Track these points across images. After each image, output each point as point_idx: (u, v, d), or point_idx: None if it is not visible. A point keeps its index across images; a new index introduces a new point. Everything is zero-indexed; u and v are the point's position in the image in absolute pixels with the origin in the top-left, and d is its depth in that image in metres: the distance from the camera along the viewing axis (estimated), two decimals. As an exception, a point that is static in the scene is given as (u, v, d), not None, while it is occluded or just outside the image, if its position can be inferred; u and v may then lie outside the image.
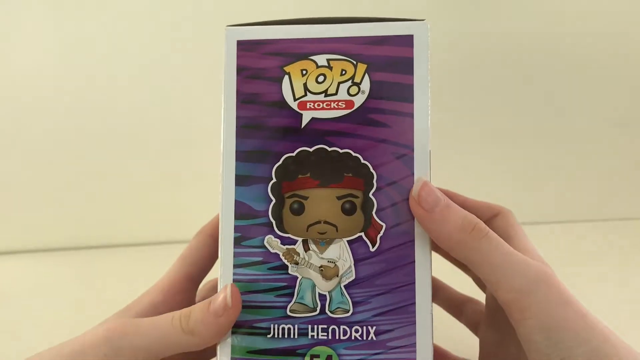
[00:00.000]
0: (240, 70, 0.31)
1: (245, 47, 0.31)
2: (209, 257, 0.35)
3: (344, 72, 0.30)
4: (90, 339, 0.27)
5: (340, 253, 0.29)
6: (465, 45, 0.66)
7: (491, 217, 0.35)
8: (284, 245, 0.29)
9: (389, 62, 0.30)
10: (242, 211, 0.30)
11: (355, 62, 0.30)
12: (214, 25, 0.35)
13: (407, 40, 0.30)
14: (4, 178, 0.65)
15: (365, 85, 0.30)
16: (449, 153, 0.67)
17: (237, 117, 0.30)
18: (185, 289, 0.34)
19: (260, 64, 0.31)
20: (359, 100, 0.30)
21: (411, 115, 0.30)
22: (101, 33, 0.63)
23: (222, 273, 0.29)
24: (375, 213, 0.29)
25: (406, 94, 0.30)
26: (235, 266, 0.29)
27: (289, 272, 0.29)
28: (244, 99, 0.30)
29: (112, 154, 0.66)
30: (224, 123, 0.30)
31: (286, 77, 0.30)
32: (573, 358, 0.25)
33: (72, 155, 0.65)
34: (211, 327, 0.27)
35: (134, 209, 0.66)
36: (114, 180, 0.66)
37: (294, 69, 0.30)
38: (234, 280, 0.29)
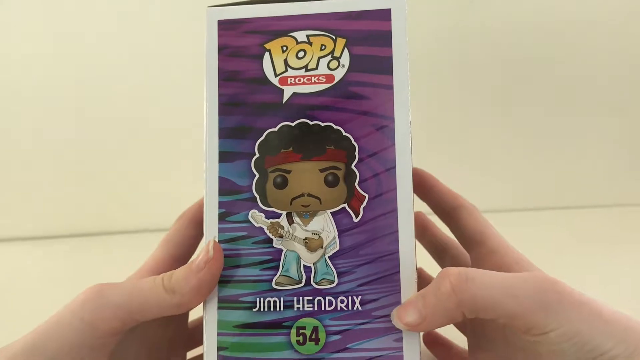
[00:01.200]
0: (221, 49, 0.31)
1: (225, 27, 0.31)
2: (192, 238, 0.35)
3: (323, 47, 0.31)
4: (67, 307, 0.27)
5: (324, 225, 0.29)
6: (459, 28, 0.66)
7: (455, 208, 0.35)
8: (268, 219, 0.30)
9: (367, 36, 0.30)
10: (226, 187, 0.30)
11: (334, 37, 0.31)
12: (198, 8, 0.35)
13: (384, 14, 0.31)
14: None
15: (345, 59, 0.30)
16: (445, 137, 0.66)
17: (219, 95, 0.30)
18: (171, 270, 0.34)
19: (240, 42, 0.31)
20: (339, 74, 0.30)
21: (391, 87, 0.30)
22: (95, 25, 0.64)
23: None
24: (358, 184, 0.29)
25: (385, 67, 0.30)
26: (220, 242, 0.29)
27: (274, 245, 0.29)
28: (225, 77, 0.31)
29: (107, 142, 0.66)
30: (206, 101, 0.31)
31: (267, 54, 0.31)
32: (606, 356, 0.24)
33: (69, 143, 0.66)
34: (192, 282, 0.27)
35: (130, 196, 0.67)
36: (110, 167, 0.66)
37: (274, 45, 0.31)
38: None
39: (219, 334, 0.29)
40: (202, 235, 0.31)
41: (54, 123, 0.65)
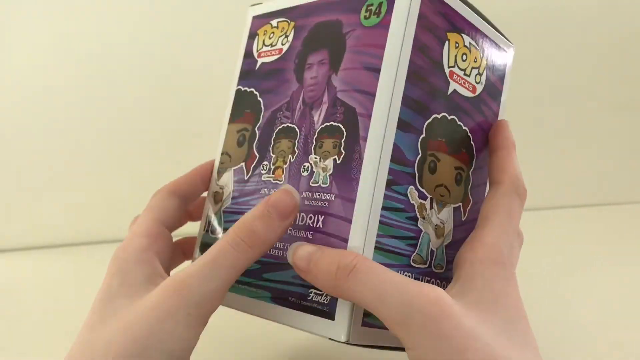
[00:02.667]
0: (421, 17, 0.30)
1: None
2: (174, 207, 0.36)
3: (475, 60, 0.34)
4: (159, 312, 0.26)
5: (448, 216, 0.33)
6: None
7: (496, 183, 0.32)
8: (419, 199, 0.31)
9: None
10: (397, 156, 0.29)
11: (482, 54, 0.34)
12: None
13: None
14: (4, 177, 0.66)
15: (483, 77, 0.35)
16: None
17: (411, 62, 0.30)
18: (163, 234, 0.34)
19: (437, 21, 0.31)
20: (479, 89, 0.34)
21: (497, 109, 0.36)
22: (106, 28, 0.65)
23: (370, 214, 0.28)
24: (470, 189, 0.34)
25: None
26: (383, 208, 0.29)
27: (418, 224, 0.31)
28: (418, 47, 0.30)
29: (112, 150, 0.67)
30: (397, 66, 0.29)
31: (447, 43, 0.32)
32: None
33: (72, 151, 0.66)
34: (280, 231, 0.29)
35: (133, 205, 0.61)
36: (115, 175, 0.67)
37: (452, 38, 0.32)
38: (381, 223, 0.29)
39: None
40: (182, 205, 0.36)
41: (58, 134, 0.65)
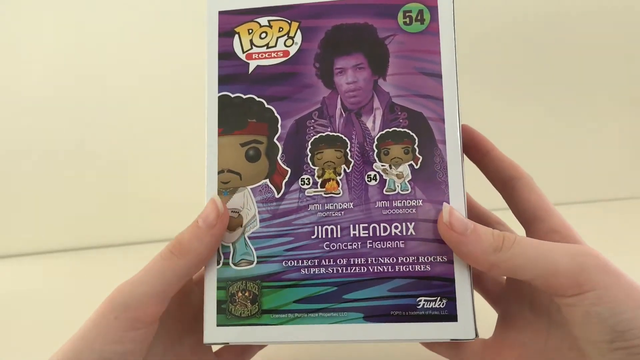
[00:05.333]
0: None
1: None
2: None
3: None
4: (95, 315, 0.28)
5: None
6: (474, 23, 0.61)
7: (513, 178, 0.33)
8: None
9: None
10: None
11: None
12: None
13: None
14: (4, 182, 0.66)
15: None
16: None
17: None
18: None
19: None
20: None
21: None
22: (108, 34, 0.64)
23: (465, 213, 0.30)
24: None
25: None
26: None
27: None
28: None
29: (111, 153, 0.66)
30: (456, 71, 0.32)
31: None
32: (636, 331, 0.24)
33: (72, 155, 0.66)
34: (207, 239, 0.29)
35: (135, 208, 0.67)
36: (115, 179, 0.66)
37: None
38: None
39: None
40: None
41: (56, 134, 0.65)
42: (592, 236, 0.33)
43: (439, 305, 0.29)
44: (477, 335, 0.29)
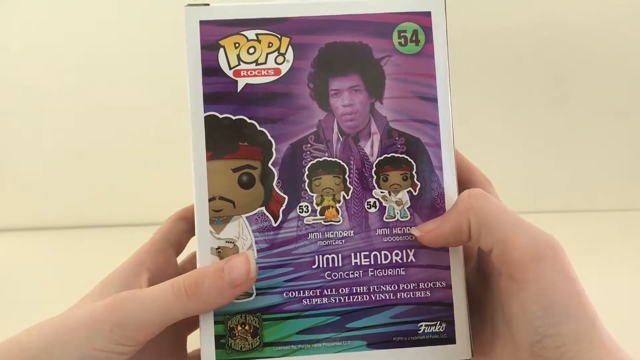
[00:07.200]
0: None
1: None
2: (182, 230, 0.35)
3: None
4: (93, 314, 0.27)
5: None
6: (460, 37, 0.61)
7: (467, 182, 0.33)
8: None
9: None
10: None
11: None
12: None
13: None
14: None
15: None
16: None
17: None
18: (163, 248, 0.33)
19: None
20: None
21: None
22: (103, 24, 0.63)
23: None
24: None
25: None
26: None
27: None
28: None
29: (107, 134, 0.65)
30: (450, 95, 0.32)
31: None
32: (559, 334, 0.24)
33: (70, 134, 0.65)
34: (227, 295, 0.28)
35: (131, 189, 0.66)
36: (112, 160, 0.65)
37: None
38: None
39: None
40: (191, 229, 0.33)
41: (54, 115, 0.65)
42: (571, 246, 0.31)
43: (438, 329, 0.30)
44: (473, 354, 0.30)
